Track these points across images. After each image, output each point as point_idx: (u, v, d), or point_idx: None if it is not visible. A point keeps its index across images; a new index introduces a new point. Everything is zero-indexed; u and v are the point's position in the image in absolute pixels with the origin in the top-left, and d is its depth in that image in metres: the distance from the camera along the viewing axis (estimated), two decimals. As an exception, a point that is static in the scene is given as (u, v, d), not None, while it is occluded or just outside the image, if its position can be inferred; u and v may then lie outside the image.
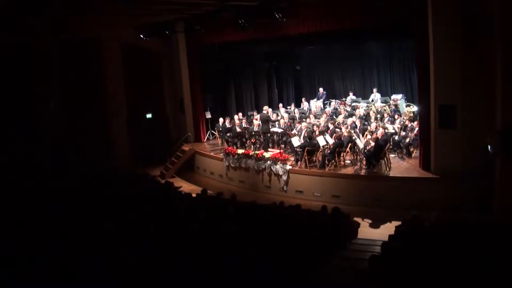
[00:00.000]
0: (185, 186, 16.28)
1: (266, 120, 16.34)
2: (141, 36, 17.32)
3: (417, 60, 13.79)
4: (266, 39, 17.56)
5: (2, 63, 15.63)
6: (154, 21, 17.14)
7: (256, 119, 17.21)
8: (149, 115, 20.15)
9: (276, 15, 13.01)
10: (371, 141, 13.96)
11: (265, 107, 17.48)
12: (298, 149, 14.77)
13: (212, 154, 17.51)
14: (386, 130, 15.27)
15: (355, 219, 11.64)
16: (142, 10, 15.97)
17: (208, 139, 20.05)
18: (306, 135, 15.13)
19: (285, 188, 14.70)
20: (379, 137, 13.81)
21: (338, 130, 15.43)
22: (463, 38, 11.95)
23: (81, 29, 16.47)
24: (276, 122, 17.35)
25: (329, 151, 14.19)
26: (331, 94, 21.83)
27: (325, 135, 14.74)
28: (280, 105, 20.48)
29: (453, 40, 12.07)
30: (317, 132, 15.09)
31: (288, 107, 20.61)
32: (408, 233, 7.69)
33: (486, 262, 5.66)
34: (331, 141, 14.34)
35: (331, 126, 15.74)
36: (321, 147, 14.39)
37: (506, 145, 9.51)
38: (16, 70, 16.12)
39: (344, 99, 20.27)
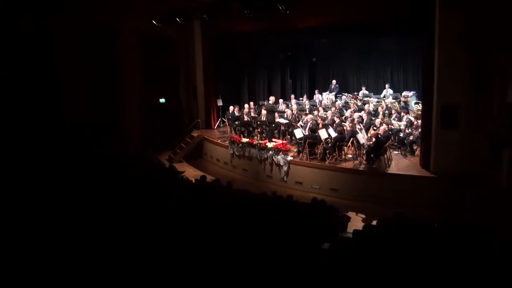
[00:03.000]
0: (190, 171, 16.64)
1: (271, 110, 16.42)
2: (156, 23, 17.49)
3: (423, 58, 13.73)
4: (280, 30, 17.53)
5: (22, 44, 15.93)
6: (170, 8, 17.31)
7: (265, 109, 17.32)
8: (162, 100, 20.37)
9: (280, 7, 13.06)
10: (372, 137, 13.99)
11: (271, 97, 17.56)
12: (300, 141, 14.87)
13: (219, 141, 17.71)
14: (391, 127, 15.29)
15: (349, 213, 11.73)
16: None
17: (218, 126, 20.23)
18: (311, 127, 15.20)
19: (285, 179, 14.83)
20: (381, 133, 13.84)
21: (345, 124, 15.47)
22: (468, 39, 11.88)
23: (99, 14, 16.74)
24: (284, 113, 17.47)
25: (330, 145, 14.24)
26: (345, 88, 21.79)
27: (329, 128, 14.79)
28: (292, 96, 20.53)
29: (458, 41, 12.02)
30: (320, 125, 15.14)
31: (301, 98, 20.64)
32: (373, 229, 7.84)
33: (426, 265, 5.84)
34: (333, 134, 14.38)
35: (337, 120, 15.76)
36: (323, 140, 14.42)
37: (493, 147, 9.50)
38: (35, 52, 16.39)
39: (356, 93, 20.22)
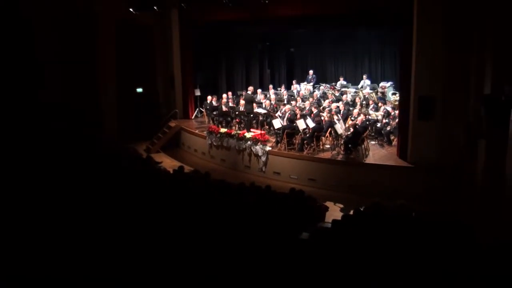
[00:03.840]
0: (168, 162, 16.49)
1: (250, 101, 16.37)
2: (133, 10, 17.23)
3: (401, 50, 13.81)
4: (259, 20, 17.46)
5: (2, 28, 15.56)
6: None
7: (243, 99, 17.24)
8: (139, 90, 20.15)
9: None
10: (350, 127, 14.04)
11: (250, 87, 17.52)
12: (278, 131, 14.86)
13: (196, 131, 17.58)
14: (368, 117, 15.36)
15: (327, 203, 11.75)
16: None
17: (196, 116, 20.07)
18: (289, 117, 15.19)
19: (263, 169, 14.82)
20: (358, 124, 13.91)
21: (323, 114, 15.49)
22: (445, 31, 11.95)
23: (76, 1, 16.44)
24: (262, 103, 17.43)
25: (308, 135, 14.26)
26: (323, 78, 21.86)
27: (307, 118, 14.79)
28: (270, 86, 20.46)
29: (435, 32, 12.08)
30: (298, 115, 15.15)
31: (279, 88, 20.61)
32: (352, 219, 7.89)
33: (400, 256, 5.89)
34: (311, 125, 14.38)
35: (314, 110, 15.77)
36: (301, 131, 14.43)
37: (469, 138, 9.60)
38: (9, 37, 15.98)
39: (334, 83, 20.28)
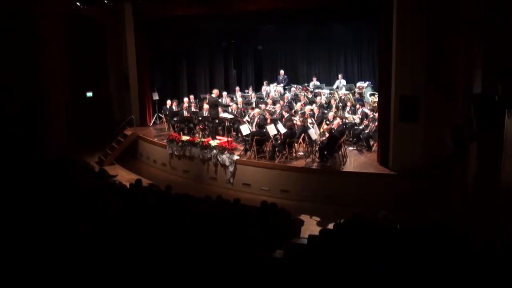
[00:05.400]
0: (124, 175, 16.25)
1: (214, 105, 16.23)
2: (80, 4, 16.87)
3: (379, 46, 13.87)
4: (223, 14, 17.38)
5: None
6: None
7: (207, 103, 17.09)
8: (89, 94, 19.79)
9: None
10: (326, 132, 14.04)
11: (215, 90, 17.30)
12: (247, 138, 14.77)
13: (155, 140, 17.36)
14: (345, 121, 15.41)
15: (302, 216, 11.70)
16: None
17: (154, 123, 19.86)
18: (258, 122, 15.11)
19: (231, 181, 14.69)
20: (335, 128, 13.91)
21: (295, 118, 15.46)
22: (428, 25, 12.07)
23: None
24: (229, 107, 17.33)
25: (279, 142, 14.20)
26: (294, 79, 21.92)
27: (278, 123, 14.74)
28: (237, 88, 20.41)
29: (417, 26, 12.20)
30: (268, 120, 15.08)
31: (246, 91, 20.56)
32: (330, 234, 7.84)
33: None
34: (283, 130, 14.34)
35: (286, 114, 15.72)
36: (272, 137, 14.37)
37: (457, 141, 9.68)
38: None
39: (306, 84, 20.33)
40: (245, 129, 14.82)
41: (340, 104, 17.43)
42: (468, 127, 8.59)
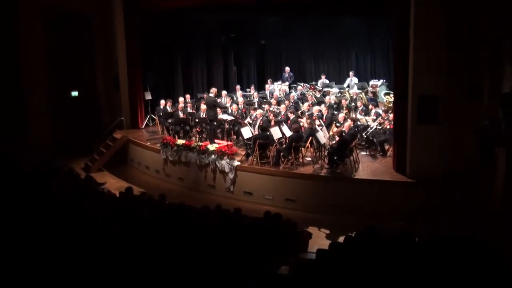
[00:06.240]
0: (113, 182, 16.26)
1: (213, 105, 16.18)
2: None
3: (395, 40, 13.82)
4: (221, 6, 17.42)
5: None
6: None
7: (204, 103, 17.09)
8: (75, 93, 19.81)
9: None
10: (335, 135, 14.02)
11: (212, 89, 17.26)
12: (248, 142, 14.76)
13: (148, 144, 17.38)
14: (357, 123, 15.39)
15: (310, 228, 11.65)
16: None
17: (147, 125, 19.94)
18: (261, 124, 15.09)
19: (231, 189, 14.69)
20: (345, 131, 13.88)
21: (302, 120, 15.44)
22: (451, 15, 11.99)
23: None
24: (229, 108, 17.34)
25: (284, 146, 14.18)
26: (300, 77, 21.96)
27: (283, 126, 14.72)
28: (238, 87, 20.44)
29: (438, 17, 12.10)
30: (272, 122, 15.07)
31: (248, 90, 20.58)
32: (340, 248, 7.81)
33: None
34: (288, 133, 14.32)
35: (292, 116, 15.71)
36: (276, 141, 14.36)
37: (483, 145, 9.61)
38: None
39: (314, 83, 20.34)
40: (247, 132, 14.78)
41: (352, 104, 17.41)
42: (495, 130, 8.55)
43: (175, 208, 10.46)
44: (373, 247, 7.85)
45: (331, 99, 17.75)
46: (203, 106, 16.74)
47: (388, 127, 14.87)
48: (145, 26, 19.42)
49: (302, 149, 14.41)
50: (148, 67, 20.14)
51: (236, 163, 14.57)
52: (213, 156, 14.94)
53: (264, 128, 14.69)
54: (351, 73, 20.28)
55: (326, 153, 14.16)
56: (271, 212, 10.24)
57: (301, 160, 14.45)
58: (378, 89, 18.58)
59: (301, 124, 14.88)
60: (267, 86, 20.72)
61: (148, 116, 20.01)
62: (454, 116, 12.34)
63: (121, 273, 6.49)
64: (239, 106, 17.66)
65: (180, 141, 15.95)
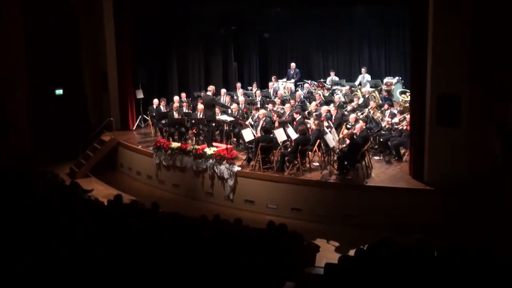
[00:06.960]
0: (101, 189, 16.34)
1: (211, 105, 16.15)
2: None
3: (412, 33, 13.80)
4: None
5: None
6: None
7: (201, 103, 17.05)
8: (59, 91, 19.82)
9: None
10: (346, 138, 13.98)
11: (211, 87, 17.27)
12: (250, 145, 14.73)
13: (139, 147, 17.41)
14: (369, 125, 15.35)
15: (318, 240, 11.65)
16: None
17: (139, 126, 19.97)
18: (264, 126, 15.04)
19: (231, 196, 14.69)
20: (357, 133, 13.85)
21: (309, 121, 15.41)
22: (476, 7, 11.90)
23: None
24: (228, 108, 17.31)
25: (289, 150, 14.15)
26: (307, 73, 21.95)
27: (288, 127, 14.69)
28: (239, 85, 20.41)
29: (462, 8, 12.01)
30: (277, 123, 15.04)
31: (249, 88, 20.58)
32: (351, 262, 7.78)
33: None
34: (294, 136, 14.30)
35: (297, 116, 15.67)
36: (280, 144, 14.34)
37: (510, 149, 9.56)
38: None
39: (322, 80, 20.35)
40: (248, 134, 14.76)
41: (364, 104, 17.30)
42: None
43: (169, 218, 10.47)
44: (387, 262, 7.81)
45: (341, 98, 17.73)
46: (200, 106, 16.71)
47: (404, 128, 14.80)
48: (136, 18, 19.42)
49: (309, 153, 14.41)
50: (139, 62, 20.15)
51: (236, 168, 14.57)
52: (211, 160, 14.95)
53: (267, 130, 14.66)
54: (363, 70, 20.26)
55: (335, 158, 14.13)
56: (275, 223, 10.20)
57: (308, 165, 14.44)
58: (393, 87, 18.52)
59: (308, 125, 14.87)
60: (270, 83, 20.75)
61: (140, 117, 20.03)
62: (478, 117, 12.26)
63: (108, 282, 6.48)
64: (240, 105, 17.66)
65: (175, 144, 15.94)
